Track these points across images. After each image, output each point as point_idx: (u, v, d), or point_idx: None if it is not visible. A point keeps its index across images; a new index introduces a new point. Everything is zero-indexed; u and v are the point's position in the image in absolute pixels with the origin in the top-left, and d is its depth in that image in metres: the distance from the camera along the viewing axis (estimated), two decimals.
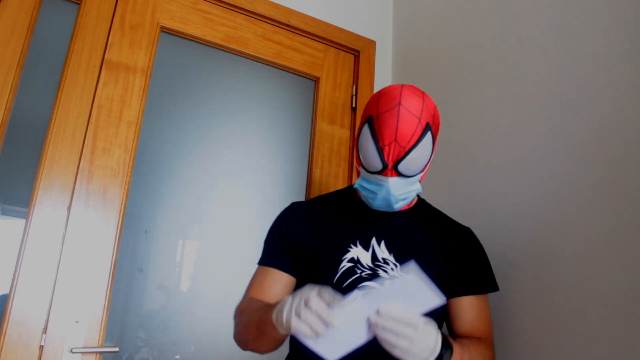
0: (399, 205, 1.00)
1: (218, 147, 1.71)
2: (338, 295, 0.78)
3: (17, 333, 1.24)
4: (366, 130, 0.94)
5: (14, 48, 1.39)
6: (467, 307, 1.07)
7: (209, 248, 1.62)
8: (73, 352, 1.28)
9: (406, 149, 0.92)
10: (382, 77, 2.05)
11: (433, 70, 1.82)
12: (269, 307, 0.90)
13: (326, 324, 0.76)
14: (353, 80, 1.99)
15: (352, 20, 2.03)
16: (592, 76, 1.20)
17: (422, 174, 1.00)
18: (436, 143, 1.01)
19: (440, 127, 1.71)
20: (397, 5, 2.15)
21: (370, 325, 0.80)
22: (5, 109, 1.34)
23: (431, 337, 0.81)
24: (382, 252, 1.03)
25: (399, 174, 0.94)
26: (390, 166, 0.93)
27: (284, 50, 1.87)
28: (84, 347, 1.30)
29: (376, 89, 2.01)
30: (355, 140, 1.04)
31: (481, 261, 1.14)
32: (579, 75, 1.24)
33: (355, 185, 1.01)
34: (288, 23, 1.86)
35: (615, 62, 1.15)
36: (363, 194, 1.00)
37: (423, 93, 0.97)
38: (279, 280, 1.05)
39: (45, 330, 1.27)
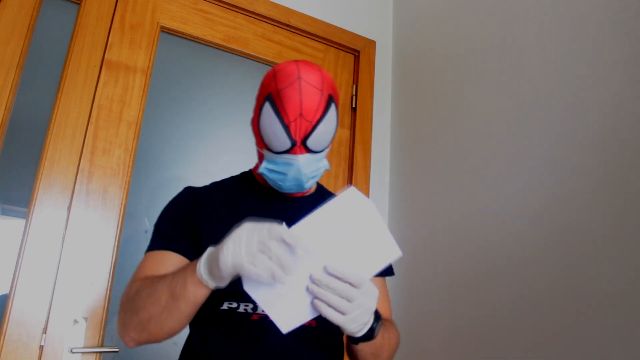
0: (309, 184, 0.95)
1: (218, 147, 1.71)
2: (289, 234, 0.72)
3: (17, 333, 1.24)
4: (268, 108, 0.89)
5: (14, 48, 1.39)
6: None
7: None
8: (73, 352, 1.28)
9: (313, 123, 0.88)
10: (382, 77, 2.05)
11: (433, 70, 1.82)
12: (187, 266, 0.81)
13: (285, 270, 0.70)
14: (353, 80, 1.99)
15: (352, 20, 2.03)
16: (593, 77, 1.20)
17: (328, 149, 0.96)
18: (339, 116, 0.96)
19: (439, 127, 1.71)
20: (397, 5, 2.15)
21: (312, 281, 0.75)
22: (5, 109, 1.34)
23: (372, 299, 0.78)
24: None
25: (308, 150, 0.90)
26: (298, 142, 0.89)
27: (284, 50, 1.86)
28: (84, 347, 1.30)
29: (376, 89, 2.01)
30: (253, 121, 0.97)
31: None
32: (580, 75, 1.24)
33: (260, 170, 0.94)
34: (288, 23, 1.86)
35: (615, 63, 1.15)
36: (271, 177, 0.94)
37: (319, 67, 0.93)
38: (178, 266, 0.91)
39: (45, 330, 1.27)
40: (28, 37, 1.42)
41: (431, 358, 1.53)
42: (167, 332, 0.83)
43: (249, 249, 0.71)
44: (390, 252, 0.79)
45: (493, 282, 1.36)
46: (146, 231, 1.53)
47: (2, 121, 1.33)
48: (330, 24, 1.96)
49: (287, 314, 0.77)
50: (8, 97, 1.35)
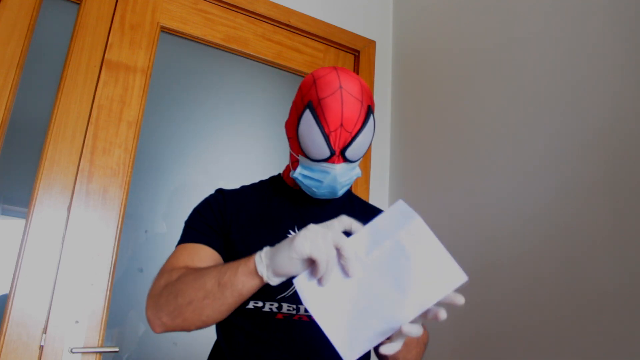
0: (342, 192, 0.97)
1: (218, 147, 1.71)
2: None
3: (17, 333, 1.24)
4: (308, 116, 0.89)
5: (14, 48, 1.39)
6: None
7: None
8: (73, 352, 1.28)
9: (352, 134, 0.89)
10: (382, 77, 2.05)
11: (433, 70, 1.82)
12: (241, 259, 0.78)
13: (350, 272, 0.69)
14: None
15: (352, 20, 2.03)
16: (593, 77, 1.20)
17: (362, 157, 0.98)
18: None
19: (439, 127, 1.71)
20: (397, 5, 2.15)
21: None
22: (5, 109, 1.34)
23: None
24: None
25: (345, 160, 0.92)
26: (337, 152, 0.90)
27: (284, 50, 1.86)
28: (84, 347, 1.30)
29: (376, 89, 2.01)
30: (288, 125, 0.99)
31: None
32: (580, 75, 1.24)
33: (295, 175, 0.95)
34: (288, 23, 1.86)
35: (615, 63, 1.15)
36: (306, 183, 0.95)
37: (357, 75, 0.93)
38: (212, 259, 0.91)
39: (45, 330, 1.27)
40: (28, 37, 1.42)
41: (429, 356, 1.53)
42: (203, 320, 0.80)
43: (325, 241, 0.70)
44: (453, 276, 0.70)
45: (493, 281, 1.36)
46: (146, 231, 1.53)
47: (2, 121, 1.33)
48: (330, 24, 1.96)
49: (348, 337, 0.70)
50: (8, 97, 1.35)
